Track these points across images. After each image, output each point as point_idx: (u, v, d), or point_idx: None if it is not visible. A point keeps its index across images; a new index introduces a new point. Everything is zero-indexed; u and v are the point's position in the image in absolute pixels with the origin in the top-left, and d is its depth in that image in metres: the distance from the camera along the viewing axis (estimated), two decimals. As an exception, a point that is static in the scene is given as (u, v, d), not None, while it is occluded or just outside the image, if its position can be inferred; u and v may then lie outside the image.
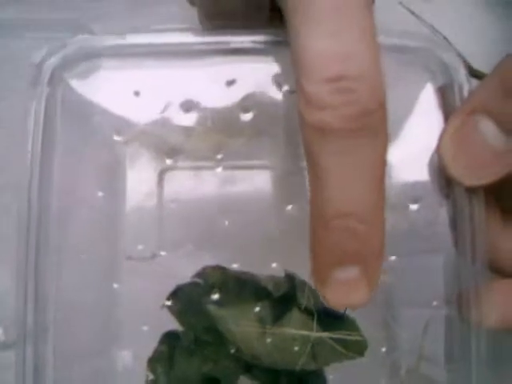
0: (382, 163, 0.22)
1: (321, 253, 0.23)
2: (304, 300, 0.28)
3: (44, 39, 0.29)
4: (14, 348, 0.25)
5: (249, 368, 0.29)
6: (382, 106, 0.21)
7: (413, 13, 0.35)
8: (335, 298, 0.23)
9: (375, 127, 0.21)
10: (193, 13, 0.28)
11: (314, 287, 0.25)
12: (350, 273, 0.23)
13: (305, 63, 0.21)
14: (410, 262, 0.28)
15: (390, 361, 0.28)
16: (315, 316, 0.27)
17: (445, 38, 0.32)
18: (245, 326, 0.28)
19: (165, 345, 0.29)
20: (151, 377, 0.28)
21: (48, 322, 0.26)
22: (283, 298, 0.28)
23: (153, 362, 0.29)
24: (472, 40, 0.27)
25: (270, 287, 0.28)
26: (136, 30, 0.26)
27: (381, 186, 0.22)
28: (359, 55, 0.21)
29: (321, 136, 0.21)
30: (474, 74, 0.32)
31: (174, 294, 0.29)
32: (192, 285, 0.29)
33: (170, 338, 0.29)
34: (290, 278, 0.29)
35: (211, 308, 0.28)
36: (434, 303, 0.27)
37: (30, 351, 0.25)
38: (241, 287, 0.29)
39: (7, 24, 0.30)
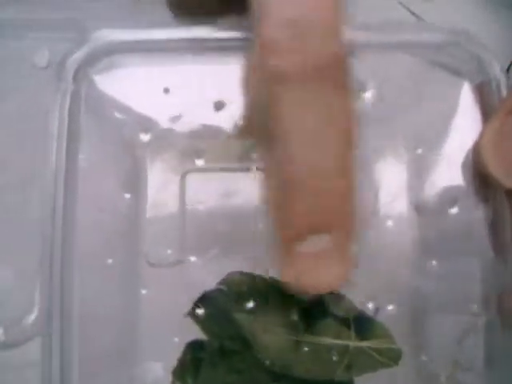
0: (346, 116, 0.21)
1: (284, 222, 0.21)
2: (336, 307, 0.27)
3: (44, 39, 0.28)
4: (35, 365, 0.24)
5: (277, 379, 0.28)
6: (337, 57, 0.20)
7: (413, 13, 0.35)
8: (302, 275, 0.21)
9: (332, 77, 0.20)
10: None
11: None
12: (319, 243, 0.21)
13: (264, 9, 0.20)
14: (447, 267, 0.27)
15: (426, 370, 0.27)
16: (352, 324, 0.26)
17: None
18: (277, 335, 0.27)
19: (189, 355, 0.28)
20: (181, 387, 0.27)
21: (73, 331, 0.24)
22: (313, 306, 0.27)
23: (177, 372, 0.28)
24: (493, 41, 0.26)
25: (300, 293, 0.27)
26: (165, 24, 0.25)
27: (348, 142, 0.21)
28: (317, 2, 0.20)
29: (279, 84, 0.20)
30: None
31: (201, 301, 0.28)
32: (219, 291, 0.28)
33: (194, 347, 0.28)
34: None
35: (240, 316, 0.27)
36: (473, 308, 0.26)
37: (56, 365, 0.24)
38: (269, 294, 0.28)
39: (7, 24, 0.29)
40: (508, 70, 0.30)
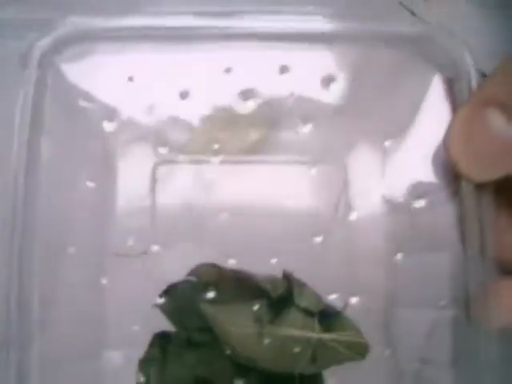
0: None
1: None
2: (302, 300, 0.27)
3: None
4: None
5: (244, 371, 0.27)
6: None
7: (413, 13, 0.34)
8: None
9: None
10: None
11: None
12: None
13: None
14: (414, 261, 0.27)
15: (393, 365, 0.27)
16: (316, 316, 0.26)
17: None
18: (241, 326, 0.26)
19: (156, 346, 0.28)
20: (142, 379, 0.27)
21: (33, 321, 0.24)
22: (280, 298, 0.27)
23: (144, 363, 0.27)
24: (472, 40, 0.26)
25: (268, 287, 0.27)
26: (132, 12, 0.25)
27: None
28: None
29: None
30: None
31: (167, 293, 0.28)
32: (186, 283, 0.28)
33: (161, 339, 0.28)
34: (288, 277, 0.27)
35: (205, 307, 0.27)
36: (440, 303, 0.26)
37: (14, 353, 0.24)
38: (237, 286, 0.27)
39: (7, 24, 0.29)
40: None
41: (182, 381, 0.27)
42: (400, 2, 0.34)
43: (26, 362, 0.24)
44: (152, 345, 0.28)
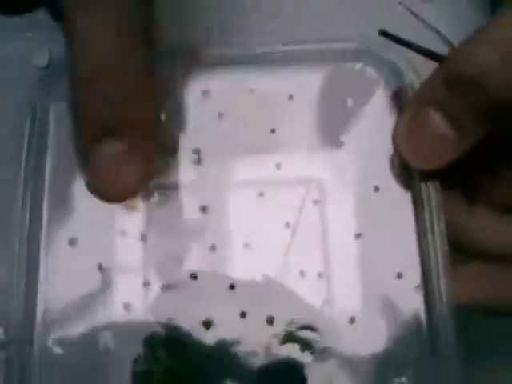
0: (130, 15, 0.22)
1: (82, 123, 0.22)
2: None
3: (44, 39, 0.30)
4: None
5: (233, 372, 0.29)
6: None
7: (413, 13, 0.36)
8: (100, 177, 0.22)
9: None
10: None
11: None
12: (115, 147, 0.22)
13: None
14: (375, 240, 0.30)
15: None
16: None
17: (445, 37, 0.34)
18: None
19: (146, 349, 0.30)
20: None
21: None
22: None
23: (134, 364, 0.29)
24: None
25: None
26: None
27: (135, 46, 0.22)
28: None
29: None
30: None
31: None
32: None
33: (150, 342, 0.30)
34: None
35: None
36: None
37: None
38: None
39: (7, 24, 0.30)
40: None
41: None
42: (400, 2, 0.36)
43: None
44: (143, 347, 0.30)
